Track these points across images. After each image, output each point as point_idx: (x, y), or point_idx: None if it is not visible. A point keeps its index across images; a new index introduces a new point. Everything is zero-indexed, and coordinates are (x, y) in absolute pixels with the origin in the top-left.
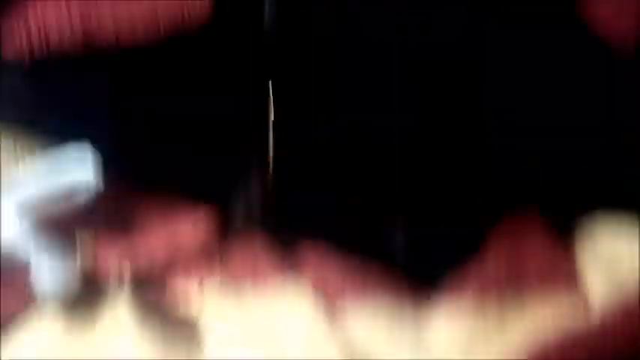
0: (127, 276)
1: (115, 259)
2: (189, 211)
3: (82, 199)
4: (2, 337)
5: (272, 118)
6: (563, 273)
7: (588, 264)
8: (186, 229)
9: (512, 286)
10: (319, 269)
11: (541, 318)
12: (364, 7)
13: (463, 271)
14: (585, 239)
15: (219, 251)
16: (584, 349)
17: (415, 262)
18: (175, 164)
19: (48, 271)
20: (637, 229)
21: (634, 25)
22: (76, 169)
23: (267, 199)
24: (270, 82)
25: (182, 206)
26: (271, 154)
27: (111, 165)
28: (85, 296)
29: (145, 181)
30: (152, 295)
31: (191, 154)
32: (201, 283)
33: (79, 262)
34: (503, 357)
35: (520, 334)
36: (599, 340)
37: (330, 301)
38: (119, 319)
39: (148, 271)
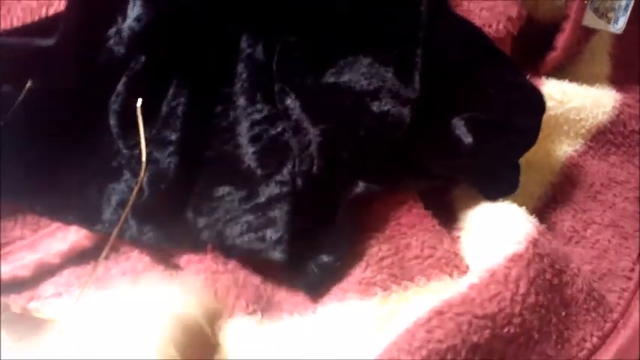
0: None
1: None
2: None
3: None
4: None
5: None
6: (442, 252)
7: (466, 232)
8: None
9: (398, 276)
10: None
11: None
12: None
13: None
14: (462, 215)
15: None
16: (459, 314)
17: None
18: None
19: None
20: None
21: None
22: None
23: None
24: None
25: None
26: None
27: None
28: None
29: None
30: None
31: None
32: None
33: None
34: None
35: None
36: (469, 304)
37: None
38: None
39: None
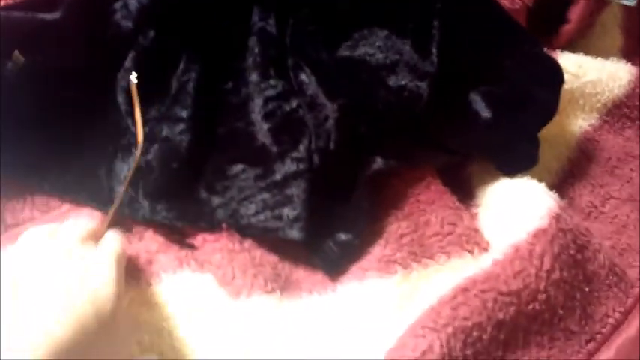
0: None
1: None
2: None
3: None
4: None
5: None
6: (462, 228)
7: (486, 209)
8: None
9: (418, 253)
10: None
11: (445, 277)
12: None
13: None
14: (479, 191)
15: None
16: (483, 290)
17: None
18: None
19: None
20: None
21: None
22: None
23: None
24: None
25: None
26: None
27: None
28: None
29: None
30: None
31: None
32: None
33: None
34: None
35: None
36: (494, 280)
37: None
38: None
39: None
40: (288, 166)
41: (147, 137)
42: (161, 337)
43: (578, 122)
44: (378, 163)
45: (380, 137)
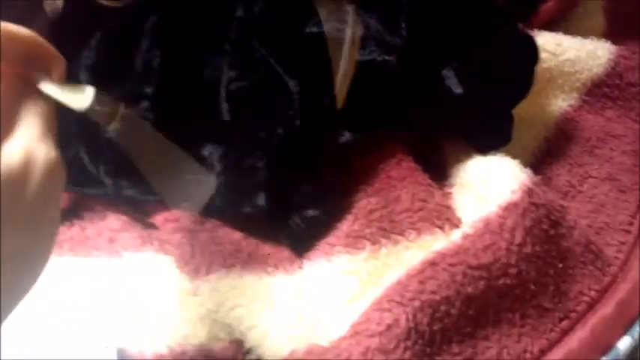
0: None
1: None
2: None
3: None
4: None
5: None
6: (433, 205)
7: (459, 187)
8: None
9: (388, 229)
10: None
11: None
12: None
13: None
14: (453, 170)
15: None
16: (452, 264)
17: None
18: None
19: None
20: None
21: None
22: None
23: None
24: None
25: None
26: None
27: None
28: None
29: None
30: None
31: None
32: None
33: None
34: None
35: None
36: (463, 254)
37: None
38: None
39: None
40: (251, 145)
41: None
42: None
43: (558, 102)
44: (346, 136)
45: (348, 111)
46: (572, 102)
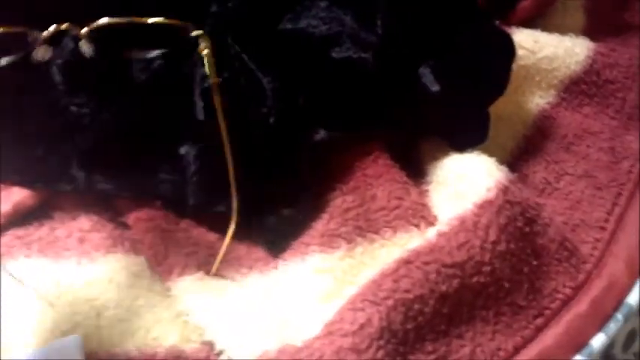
0: None
1: None
2: None
3: None
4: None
5: None
6: (409, 202)
7: (436, 185)
8: None
9: (364, 228)
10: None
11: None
12: None
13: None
14: (430, 168)
15: None
16: (426, 262)
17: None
18: None
19: None
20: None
21: None
22: None
23: None
24: None
25: None
26: None
27: None
28: None
29: None
30: None
31: None
32: None
33: None
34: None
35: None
36: (437, 252)
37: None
38: None
39: None
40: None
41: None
42: (88, 318)
43: (535, 99)
44: (321, 134)
45: (323, 109)
46: (550, 99)
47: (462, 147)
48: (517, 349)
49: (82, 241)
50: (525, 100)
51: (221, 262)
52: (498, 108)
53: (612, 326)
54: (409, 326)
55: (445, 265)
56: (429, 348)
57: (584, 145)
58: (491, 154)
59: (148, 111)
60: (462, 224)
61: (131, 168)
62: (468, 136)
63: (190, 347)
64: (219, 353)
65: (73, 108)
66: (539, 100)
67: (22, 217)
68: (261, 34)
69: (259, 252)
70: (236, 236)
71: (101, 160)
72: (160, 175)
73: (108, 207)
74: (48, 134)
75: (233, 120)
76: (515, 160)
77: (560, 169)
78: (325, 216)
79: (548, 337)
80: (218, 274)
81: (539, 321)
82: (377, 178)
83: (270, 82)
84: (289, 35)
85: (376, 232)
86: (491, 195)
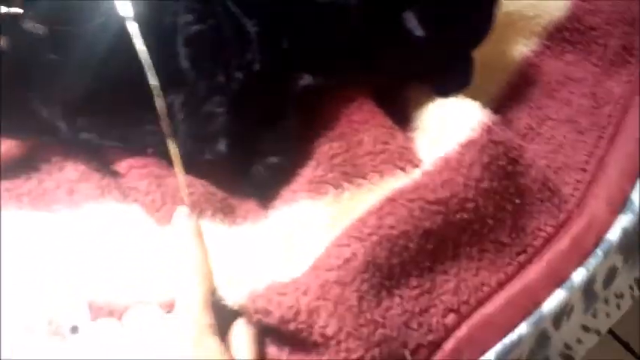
0: None
1: None
2: None
3: None
4: None
5: None
6: (395, 147)
7: (421, 131)
8: None
9: (351, 173)
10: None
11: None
12: None
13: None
14: (416, 114)
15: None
16: (410, 200)
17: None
18: None
19: None
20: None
21: None
22: None
23: None
24: None
25: None
26: None
27: None
28: None
29: None
30: None
31: None
32: None
33: None
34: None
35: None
36: (422, 189)
37: None
38: None
39: None
40: (209, 89)
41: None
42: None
43: (519, 47)
44: (306, 79)
45: (307, 53)
46: (533, 46)
47: (446, 92)
48: (500, 285)
49: (71, 192)
50: (509, 48)
51: (219, 207)
52: (483, 55)
53: (592, 261)
54: (394, 261)
55: (429, 202)
56: (414, 283)
57: (566, 92)
58: (475, 99)
59: (131, 60)
60: (446, 163)
61: (116, 119)
62: (452, 81)
63: None
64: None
65: (53, 57)
66: (522, 48)
67: (9, 168)
68: None
69: (250, 203)
70: (228, 188)
71: (85, 110)
72: (146, 127)
73: (95, 156)
74: (31, 84)
75: (218, 67)
76: (499, 106)
77: (542, 115)
78: (312, 163)
79: (531, 273)
80: (215, 220)
81: (522, 258)
82: (363, 123)
83: (254, 26)
84: None
85: (363, 177)
86: (474, 135)
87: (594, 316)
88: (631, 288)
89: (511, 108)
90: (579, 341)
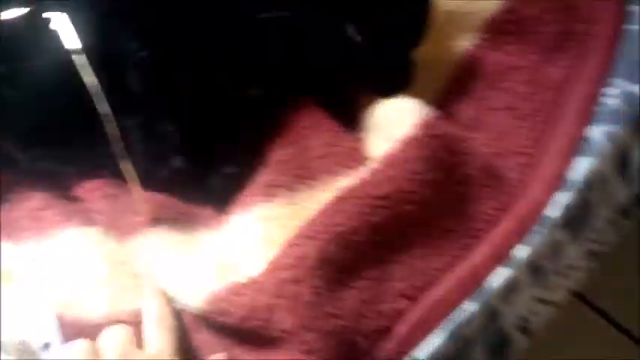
0: None
1: None
2: None
3: None
4: None
5: None
6: (345, 148)
7: (369, 131)
8: None
9: (303, 176)
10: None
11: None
12: None
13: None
14: (363, 117)
15: None
16: (358, 197)
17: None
18: None
19: None
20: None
21: None
22: None
23: None
24: None
25: None
26: None
27: None
28: None
29: None
30: None
31: None
32: None
33: None
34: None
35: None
36: (369, 187)
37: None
38: None
39: None
40: (161, 110)
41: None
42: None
43: (461, 42)
44: (255, 91)
45: (254, 66)
46: (475, 41)
47: (387, 92)
48: (448, 268)
49: (38, 220)
50: (451, 45)
51: (177, 221)
52: (426, 53)
53: (535, 238)
54: (345, 256)
55: (375, 198)
56: (366, 274)
57: (507, 81)
58: (420, 96)
59: (81, 89)
60: (390, 160)
61: (70, 145)
62: (392, 82)
63: None
64: (171, 301)
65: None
66: (464, 43)
67: None
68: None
69: (209, 211)
70: (186, 198)
71: (40, 140)
72: (100, 150)
73: (59, 184)
74: None
75: (168, 87)
76: (445, 100)
77: (485, 105)
78: (266, 170)
79: (476, 255)
80: (172, 230)
81: (468, 241)
82: (312, 129)
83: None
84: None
85: (315, 179)
86: (416, 131)
87: (548, 288)
88: (583, 260)
89: (455, 101)
90: (535, 313)
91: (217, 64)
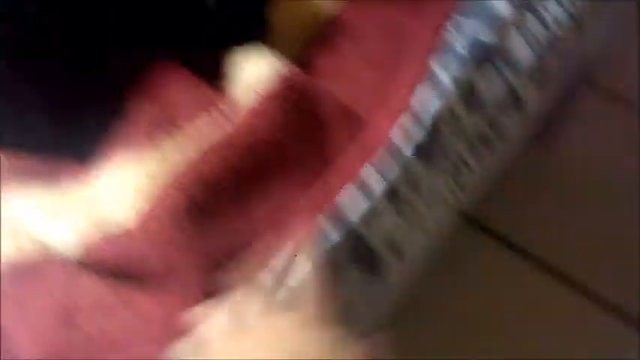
0: None
1: None
2: None
3: None
4: None
5: None
6: (203, 96)
7: (229, 84)
8: None
9: (164, 126)
10: None
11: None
12: None
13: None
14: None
15: None
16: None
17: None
18: None
19: None
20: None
21: None
22: None
23: None
24: None
25: None
26: None
27: None
28: None
29: None
30: None
31: None
32: None
33: None
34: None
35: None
36: (234, 138)
37: None
38: None
39: None
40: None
41: None
42: None
43: (324, 1)
44: (117, 51)
45: (114, 30)
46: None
47: (245, 50)
48: (305, 189)
49: None
50: (315, 4)
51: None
52: (290, 9)
53: (387, 169)
54: (212, 202)
55: (239, 148)
56: (233, 215)
57: (368, 35)
58: (281, 50)
59: None
60: (252, 113)
61: None
62: (247, 38)
63: (26, 254)
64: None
65: None
66: (328, 2)
67: None
68: None
69: (76, 164)
70: (53, 150)
71: None
72: None
73: None
74: None
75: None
76: (305, 53)
77: (342, 56)
78: (129, 122)
79: (335, 183)
80: (44, 189)
81: (326, 173)
82: (172, 82)
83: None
84: None
85: (177, 126)
86: (274, 84)
87: (414, 214)
88: (448, 191)
89: (314, 54)
90: (411, 244)
91: (80, 24)
